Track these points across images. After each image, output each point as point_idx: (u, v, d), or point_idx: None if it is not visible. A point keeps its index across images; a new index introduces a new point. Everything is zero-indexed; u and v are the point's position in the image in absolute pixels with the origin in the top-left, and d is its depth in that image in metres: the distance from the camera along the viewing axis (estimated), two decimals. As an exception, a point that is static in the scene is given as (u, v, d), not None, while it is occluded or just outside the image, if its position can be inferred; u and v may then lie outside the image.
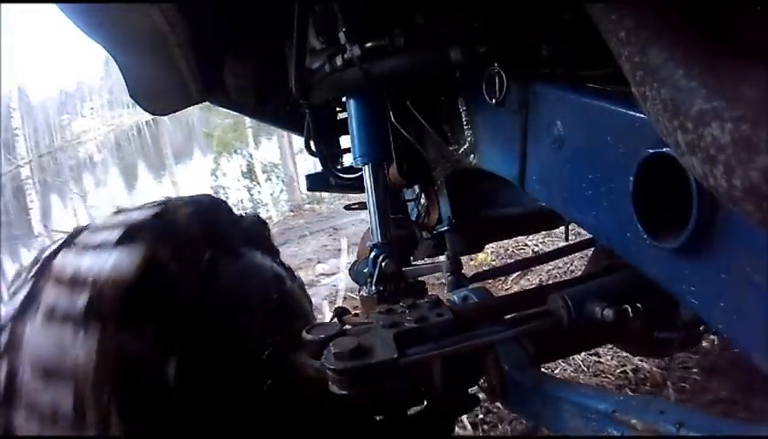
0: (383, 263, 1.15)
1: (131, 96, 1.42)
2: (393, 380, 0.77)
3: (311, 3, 1.10)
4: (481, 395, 1.07)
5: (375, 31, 1.04)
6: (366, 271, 1.20)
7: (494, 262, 4.03)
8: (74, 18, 1.16)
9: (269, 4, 1.22)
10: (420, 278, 1.26)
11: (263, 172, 15.54)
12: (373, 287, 1.15)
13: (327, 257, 6.52)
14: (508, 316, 0.96)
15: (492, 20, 1.00)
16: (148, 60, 1.32)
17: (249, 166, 15.61)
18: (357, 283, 1.37)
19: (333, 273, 5.56)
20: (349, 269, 1.64)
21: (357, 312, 1.15)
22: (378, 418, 0.98)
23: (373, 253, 1.18)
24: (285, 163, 14.57)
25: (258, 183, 15.51)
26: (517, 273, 3.25)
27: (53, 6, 1.12)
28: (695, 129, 0.39)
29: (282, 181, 15.28)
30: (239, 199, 15.46)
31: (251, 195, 15.62)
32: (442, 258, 1.42)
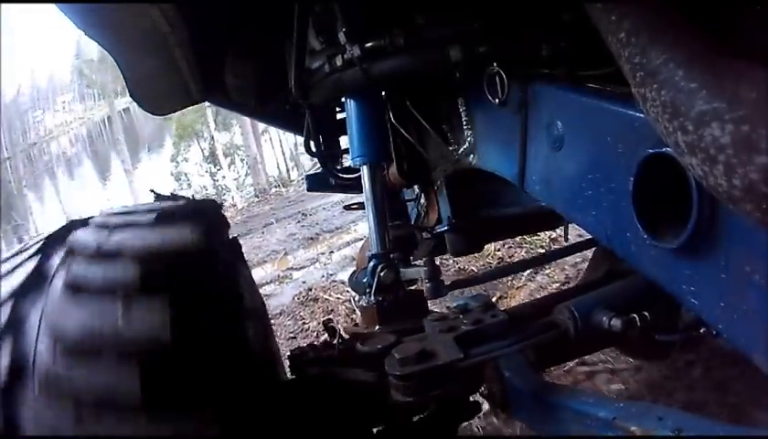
0: (381, 274, 1.15)
1: (131, 96, 1.42)
2: (457, 382, 0.78)
3: (311, 3, 1.10)
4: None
5: (375, 31, 1.04)
6: (365, 281, 1.20)
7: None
8: (74, 18, 1.16)
9: (269, 4, 1.22)
10: (419, 286, 1.26)
11: (225, 155, 14.63)
12: (372, 298, 1.15)
13: (296, 247, 5.87)
14: (517, 327, 0.96)
15: (492, 20, 1.00)
16: (148, 60, 1.32)
17: (211, 150, 14.75)
18: (356, 292, 1.37)
19: (302, 267, 4.98)
20: (349, 278, 1.64)
21: (349, 325, 1.16)
22: (379, 428, 0.97)
23: (372, 264, 1.18)
24: (248, 144, 13.65)
25: (220, 167, 14.56)
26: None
27: (52, 6, 1.13)
28: (695, 130, 0.40)
29: (246, 164, 14.29)
30: (201, 186, 14.71)
31: (215, 180, 14.76)
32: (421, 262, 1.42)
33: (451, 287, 1.43)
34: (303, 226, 6.87)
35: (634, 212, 0.68)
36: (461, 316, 0.88)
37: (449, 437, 1.08)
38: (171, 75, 1.33)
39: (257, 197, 12.00)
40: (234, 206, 11.71)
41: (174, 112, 1.61)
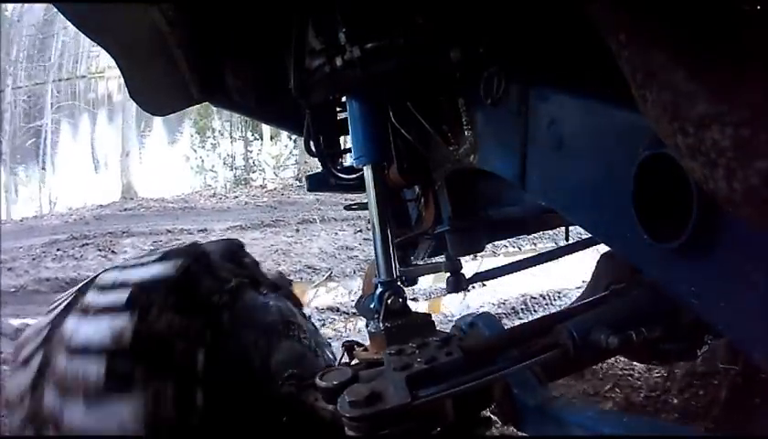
0: (389, 301, 1.15)
1: (131, 96, 1.42)
2: (408, 421, 0.81)
3: (310, 3, 1.10)
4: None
5: (375, 32, 1.04)
6: (372, 307, 1.21)
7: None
8: (74, 19, 1.16)
9: (268, 4, 1.22)
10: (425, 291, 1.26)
11: None
12: (380, 324, 1.15)
13: (350, 271, 3.44)
14: (517, 349, 0.97)
15: (492, 20, 1.00)
16: (148, 61, 1.32)
17: (255, 111, 11.96)
18: (365, 317, 1.38)
19: (347, 313, 2.71)
20: (356, 304, 1.64)
21: (367, 346, 1.17)
22: None
23: (379, 290, 1.18)
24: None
25: (260, 137, 11.54)
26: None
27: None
28: (695, 132, 0.40)
29: (293, 139, 10.77)
30: (229, 154, 11.78)
31: (248, 151, 11.78)
32: (441, 258, 1.42)
33: (471, 281, 1.44)
34: (367, 239, 3.91)
35: (634, 212, 0.68)
36: (417, 352, 0.89)
37: None
38: (171, 75, 1.33)
39: (299, 180, 8.96)
40: (263, 187, 9.21)
41: (174, 112, 1.62)
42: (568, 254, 1.68)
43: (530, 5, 0.97)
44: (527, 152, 0.96)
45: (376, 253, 1.21)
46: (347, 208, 1.74)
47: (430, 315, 1.22)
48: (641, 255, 0.71)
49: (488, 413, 1.09)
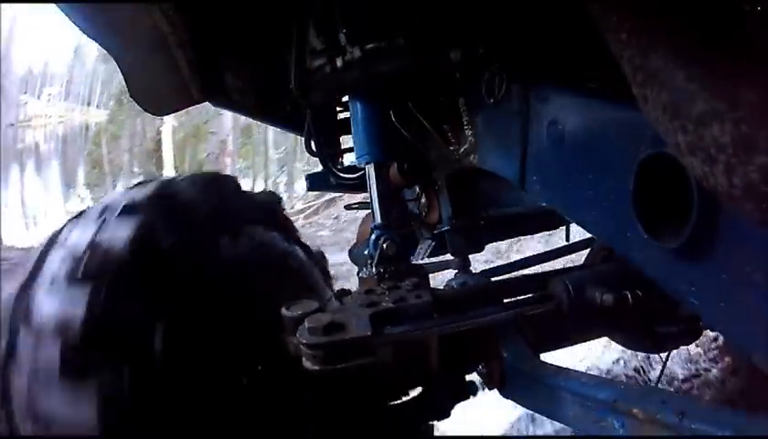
0: (385, 245, 1.12)
1: (131, 97, 1.42)
2: (368, 358, 0.77)
3: (310, 3, 1.10)
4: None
5: (375, 32, 1.04)
6: (366, 252, 1.19)
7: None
8: (74, 19, 1.16)
9: (269, 4, 1.22)
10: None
11: (243, 159, 10.16)
12: (373, 269, 1.12)
13: None
14: (507, 300, 0.96)
15: (492, 21, 1.00)
16: (149, 61, 1.32)
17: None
18: (356, 265, 1.35)
19: None
20: (349, 251, 1.62)
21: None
22: (369, 402, 0.97)
23: (374, 235, 1.16)
24: (293, 150, 8.75)
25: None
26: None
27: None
28: (695, 130, 0.40)
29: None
30: None
31: None
32: (449, 256, 1.42)
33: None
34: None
35: (634, 212, 0.68)
36: (387, 293, 0.87)
37: (443, 416, 1.07)
38: (171, 75, 1.33)
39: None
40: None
41: (174, 112, 1.62)
42: (572, 252, 1.68)
43: (531, 5, 0.97)
44: (527, 152, 0.97)
45: (371, 198, 1.19)
46: (348, 207, 1.74)
47: (422, 265, 1.20)
48: (641, 255, 0.71)
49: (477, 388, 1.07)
